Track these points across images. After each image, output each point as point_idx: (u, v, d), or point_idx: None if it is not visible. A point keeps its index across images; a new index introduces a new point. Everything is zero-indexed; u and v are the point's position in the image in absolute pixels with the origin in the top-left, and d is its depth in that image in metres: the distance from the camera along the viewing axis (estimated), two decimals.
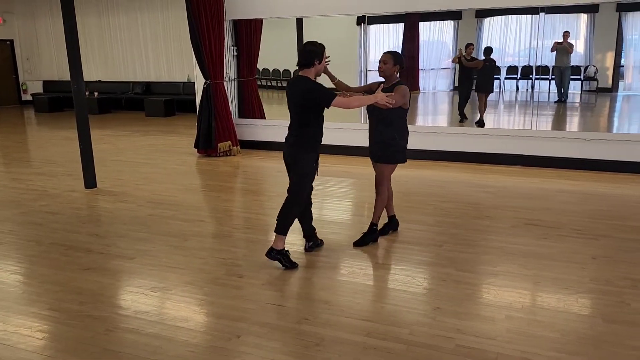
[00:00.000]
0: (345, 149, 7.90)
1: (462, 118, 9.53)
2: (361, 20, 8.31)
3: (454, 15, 12.55)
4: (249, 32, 8.62)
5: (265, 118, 9.07)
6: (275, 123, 8.69)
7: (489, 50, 9.27)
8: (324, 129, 4.02)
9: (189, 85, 12.84)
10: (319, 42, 3.88)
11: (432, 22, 12.98)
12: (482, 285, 3.69)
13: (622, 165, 6.62)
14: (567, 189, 5.99)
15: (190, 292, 3.66)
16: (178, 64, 13.61)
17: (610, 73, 12.77)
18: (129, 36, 14.09)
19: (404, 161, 4.38)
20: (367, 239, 4.44)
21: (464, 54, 9.43)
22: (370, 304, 3.45)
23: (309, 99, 3.79)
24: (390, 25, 13.13)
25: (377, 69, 4.22)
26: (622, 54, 12.50)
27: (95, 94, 13.86)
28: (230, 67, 8.52)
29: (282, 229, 4.01)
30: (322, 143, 4.10)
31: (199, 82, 8.29)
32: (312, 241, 4.36)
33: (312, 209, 4.36)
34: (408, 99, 4.15)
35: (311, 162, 3.99)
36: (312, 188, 4.20)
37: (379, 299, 3.53)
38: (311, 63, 3.81)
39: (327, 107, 3.82)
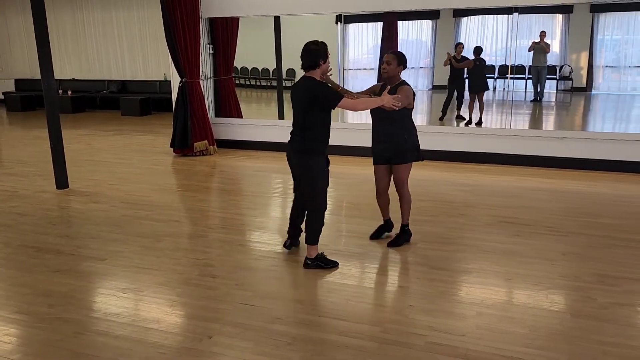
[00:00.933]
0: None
1: (443, 115, 9.63)
2: (338, 19, 8.31)
3: (432, 15, 12.65)
4: (225, 31, 8.55)
5: (242, 117, 9.02)
6: (252, 122, 8.65)
7: (478, 50, 9.37)
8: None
9: (166, 84, 12.69)
10: (320, 40, 3.73)
11: (410, 22, 13.06)
12: (455, 282, 3.72)
13: (596, 163, 6.75)
14: (541, 187, 6.08)
15: (162, 293, 3.62)
16: (154, 62, 13.44)
17: (584, 73, 13.03)
18: (104, 33, 13.86)
19: (420, 159, 4.29)
20: (400, 240, 4.38)
21: (453, 54, 9.50)
22: (344, 303, 3.45)
23: (315, 99, 3.66)
24: (369, 24, 13.19)
25: (381, 69, 4.14)
26: (597, 53, 12.76)
27: (69, 92, 13.61)
28: (206, 65, 8.45)
29: (313, 239, 3.91)
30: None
31: (175, 81, 8.20)
32: (292, 241, 4.29)
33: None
34: (412, 98, 4.09)
35: (320, 165, 3.82)
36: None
37: (353, 297, 3.54)
38: (316, 64, 3.67)
39: (333, 108, 3.71)
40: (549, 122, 11.13)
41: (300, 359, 2.82)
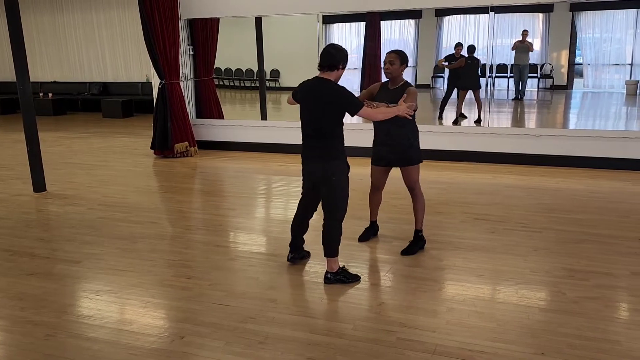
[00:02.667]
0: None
1: (441, 112, 9.77)
2: (318, 19, 8.33)
3: (415, 14, 12.74)
4: (205, 31, 8.54)
5: (223, 118, 9.01)
6: (234, 123, 8.65)
7: (471, 49, 9.44)
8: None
9: (148, 86, 12.62)
10: (341, 46, 3.61)
11: (393, 21, 13.15)
12: (428, 279, 3.76)
13: (571, 160, 6.85)
14: (516, 184, 6.16)
15: (136, 294, 3.61)
16: (136, 63, 13.36)
17: (565, 71, 13.20)
18: (85, 35, 13.75)
19: (421, 160, 4.25)
20: (414, 248, 4.22)
21: (444, 63, 9.62)
22: (317, 301, 3.48)
23: (336, 103, 3.51)
24: (352, 24, 13.24)
25: (384, 69, 4.03)
26: (577, 52, 12.94)
27: (50, 94, 13.48)
28: (186, 66, 8.43)
29: (333, 251, 3.70)
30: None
31: (156, 82, 8.17)
32: (297, 253, 4.07)
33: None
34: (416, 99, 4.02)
35: (345, 172, 3.65)
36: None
37: (326, 295, 3.56)
38: (336, 66, 3.52)
39: (352, 115, 3.56)
40: (530, 120, 11.26)
41: (270, 358, 2.84)
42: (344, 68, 3.59)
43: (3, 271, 4.05)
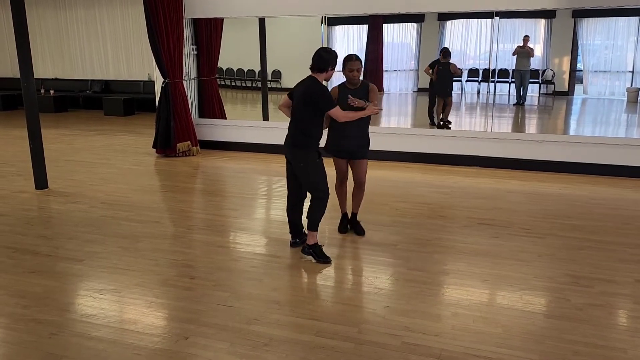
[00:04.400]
0: None
1: (431, 120, 9.56)
2: (323, 21, 8.34)
3: (417, 18, 12.76)
4: (209, 31, 8.54)
5: (226, 118, 9.00)
6: (236, 123, 8.64)
7: (444, 53, 9.23)
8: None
9: (150, 84, 12.61)
10: (332, 49, 4.10)
11: (395, 24, 13.16)
12: (432, 283, 3.76)
13: (573, 166, 6.85)
14: (519, 189, 6.16)
15: (139, 294, 3.60)
16: (138, 62, 13.34)
17: (566, 77, 13.23)
18: (88, 32, 13.73)
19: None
20: (362, 229, 4.70)
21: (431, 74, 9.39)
22: (321, 304, 3.47)
23: (312, 99, 3.95)
24: (355, 26, 13.26)
25: (351, 76, 4.29)
26: (578, 58, 12.96)
27: (52, 91, 13.46)
28: (190, 66, 8.42)
29: (313, 225, 4.12)
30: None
31: (159, 81, 8.16)
32: (299, 238, 4.39)
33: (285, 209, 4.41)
34: None
35: (312, 157, 4.06)
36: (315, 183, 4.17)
37: (331, 298, 3.56)
38: (325, 69, 4.00)
39: (324, 112, 4.01)
40: (531, 125, 11.28)
41: None
42: (333, 69, 4.05)
43: (5, 268, 4.04)
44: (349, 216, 4.80)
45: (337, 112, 4.00)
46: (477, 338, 3.03)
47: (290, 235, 4.43)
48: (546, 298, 3.54)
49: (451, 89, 9.39)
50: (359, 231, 4.70)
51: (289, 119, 4.17)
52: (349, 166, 4.58)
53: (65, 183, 6.49)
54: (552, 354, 2.87)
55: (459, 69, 10.44)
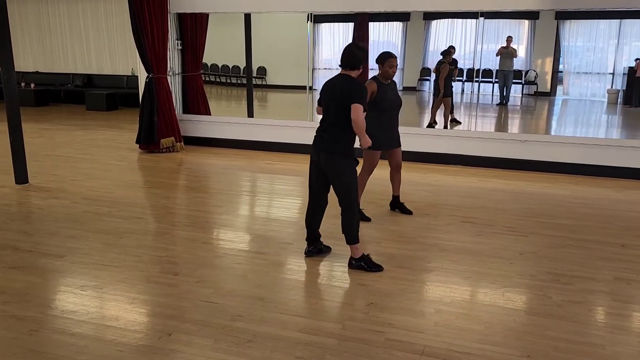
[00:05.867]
0: (290, 147, 7.89)
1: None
2: (309, 18, 8.32)
3: (403, 17, 12.81)
4: (194, 26, 8.47)
5: (210, 114, 8.94)
6: (220, 120, 8.59)
7: (443, 52, 9.17)
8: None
9: (133, 79, 12.47)
10: (362, 45, 3.85)
11: (381, 23, 13.20)
12: (416, 280, 3.78)
13: (556, 165, 6.95)
14: (502, 188, 6.23)
15: (122, 290, 3.57)
16: (122, 56, 13.19)
17: (549, 78, 13.40)
18: (70, 26, 13.52)
19: None
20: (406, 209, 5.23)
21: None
22: (306, 300, 3.47)
23: (351, 97, 3.60)
24: (341, 24, 13.26)
25: (391, 72, 4.70)
26: (561, 59, 13.14)
27: (32, 85, 13.23)
28: (174, 61, 8.35)
29: (352, 238, 3.87)
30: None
31: (143, 76, 8.08)
32: (314, 245, 4.12)
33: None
34: None
35: (353, 165, 3.77)
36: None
37: (315, 295, 3.56)
38: (358, 66, 3.73)
39: (350, 105, 3.59)
40: (514, 125, 11.40)
41: (259, 356, 2.83)
42: (364, 67, 3.81)
43: None
44: (393, 199, 5.29)
45: (359, 113, 3.58)
46: (459, 334, 3.06)
47: (306, 242, 4.11)
48: (527, 295, 3.59)
49: (438, 89, 9.38)
50: (407, 211, 5.17)
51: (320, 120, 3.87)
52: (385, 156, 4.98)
53: (47, 178, 6.39)
54: (533, 349, 2.92)
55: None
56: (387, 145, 4.87)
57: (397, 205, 5.26)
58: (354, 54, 3.72)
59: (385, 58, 4.67)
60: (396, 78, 14.37)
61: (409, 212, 5.18)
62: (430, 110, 9.87)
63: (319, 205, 4.00)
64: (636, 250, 4.38)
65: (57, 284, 3.70)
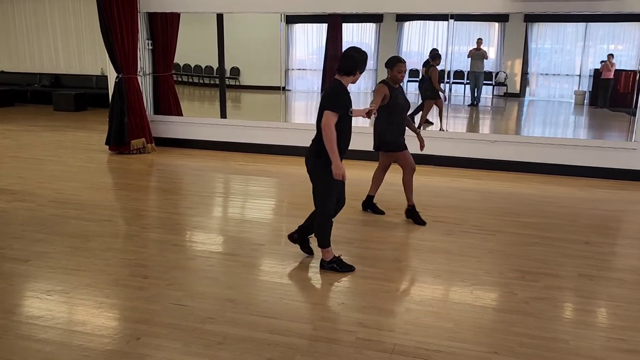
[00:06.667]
0: (263, 148, 7.86)
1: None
2: (281, 18, 8.31)
3: (376, 18, 12.90)
4: (165, 26, 8.37)
5: (182, 115, 8.85)
6: (193, 120, 8.51)
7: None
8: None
9: (103, 79, 12.25)
10: (362, 49, 3.68)
11: (355, 24, 13.26)
12: (387, 280, 3.81)
13: (524, 165, 7.09)
14: (472, 188, 6.33)
15: (89, 294, 3.50)
16: (90, 55, 12.94)
17: (518, 79, 13.67)
18: (37, 24, 13.20)
19: None
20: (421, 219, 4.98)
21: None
22: (277, 302, 3.47)
23: (325, 101, 3.60)
24: (315, 25, 13.28)
25: (399, 77, 4.70)
26: (530, 61, 13.42)
27: None
28: (145, 61, 8.23)
29: (323, 242, 3.90)
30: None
31: (112, 76, 7.94)
32: (299, 235, 4.12)
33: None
34: None
35: (330, 172, 3.66)
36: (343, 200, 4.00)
37: (286, 296, 3.56)
38: (353, 72, 3.63)
39: (322, 110, 3.60)
40: (484, 125, 11.60)
41: (229, 358, 2.82)
42: (361, 73, 3.67)
43: None
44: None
45: (330, 120, 3.53)
46: (429, 332, 3.10)
47: (297, 227, 4.15)
48: (495, 292, 3.66)
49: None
50: (421, 221, 4.94)
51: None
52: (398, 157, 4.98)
53: (11, 180, 6.23)
54: (500, 346, 2.98)
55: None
56: (404, 145, 4.94)
57: (413, 215, 4.98)
58: (352, 59, 3.61)
59: (395, 63, 4.67)
60: (369, 79, 14.34)
61: (424, 223, 4.95)
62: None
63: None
64: (599, 247, 4.52)
65: (22, 289, 3.61)
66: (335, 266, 3.90)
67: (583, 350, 2.95)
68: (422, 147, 5.09)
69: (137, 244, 4.44)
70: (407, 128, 5.02)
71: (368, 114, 4.19)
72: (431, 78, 8.67)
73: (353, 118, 3.84)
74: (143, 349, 2.89)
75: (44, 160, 7.36)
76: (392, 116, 4.80)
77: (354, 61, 3.61)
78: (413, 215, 4.99)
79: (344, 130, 3.69)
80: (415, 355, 2.87)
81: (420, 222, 4.94)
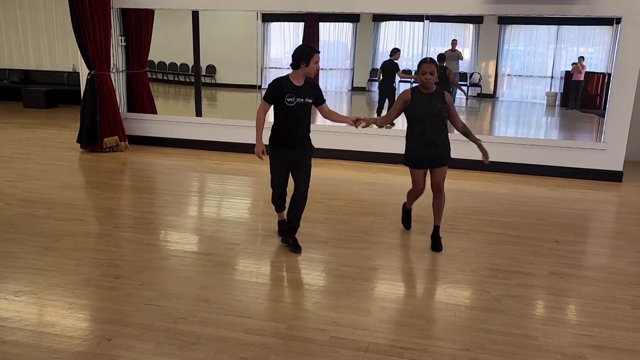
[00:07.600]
0: (239, 146, 7.81)
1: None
2: (257, 16, 8.26)
3: (352, 18, 12.92)
4: (139, 23, 8.24)
5: (157, 113, 8.73)
6: (167, 118, 8.40)
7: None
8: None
9: (74, 76, 12.01)
10: (312, 45, 4.11)
11: (331, 23, 13.27)
12: (362, 279, 3.83)
13: (497, 165, 7.18)
14: (446, 187, 6.36)
15: (59, 295, 3.43)
16: (62, 52, 12.66)
17: (492, 80, 13.88)
18: (5, 18, 12.85)
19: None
20: (440, 244, 4.38)
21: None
22: (251, 301, 3.45)
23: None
24: (291, 23, 13.24)
25: (423, 79, 4.10)
26: (503, 62, 13.63)
27: None
28: (118, 58, 8.10)
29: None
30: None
31: (84, 73, 7.79)
32: (286, 233, 4.35)
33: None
34: None
35: (275, 158, 4.18)
36: (305, 187, 4.24)
37: (260, 295, 3.54)
38: (297, 65, 3.96)
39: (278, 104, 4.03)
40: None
41: (203, 358, 2.79)
42: (307, 65, 3.97)
43: None
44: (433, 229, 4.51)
45: (260, 107, 4.12)
46: (402, 330, 3.12)
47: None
48: (468, 290, 3.71)
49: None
50: (438, 247, 4.33)
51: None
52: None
53: None
54: (472, 343, 3.02)
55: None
56: (423, 163, 4.32)
57: (433, 237, 4.44)
58: (294, 53, 3.99)
59: (419, 65, 4.18)
60: (345, 78, 14.32)
61: (440, 249, 4.35)
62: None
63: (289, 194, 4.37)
64: (569, 245, 4.62)
65: None
66: (290, 241, 4.27)
67: (552, 347, 3.01)
68: (484, 157, 4.47)
69: (109, 243, 4.37)
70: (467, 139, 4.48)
71: (355, 122, 4.26)
72: (450, 80, 8.86)
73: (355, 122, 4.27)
74: (114, 350, 2.85)
75: (13, 158, 7.18)
76: (411, 126, 4.32)
77: (298, 54, 3.98)
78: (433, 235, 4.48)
79: (282, 119, 4.07)
80: (389, 353, 2.89)
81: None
